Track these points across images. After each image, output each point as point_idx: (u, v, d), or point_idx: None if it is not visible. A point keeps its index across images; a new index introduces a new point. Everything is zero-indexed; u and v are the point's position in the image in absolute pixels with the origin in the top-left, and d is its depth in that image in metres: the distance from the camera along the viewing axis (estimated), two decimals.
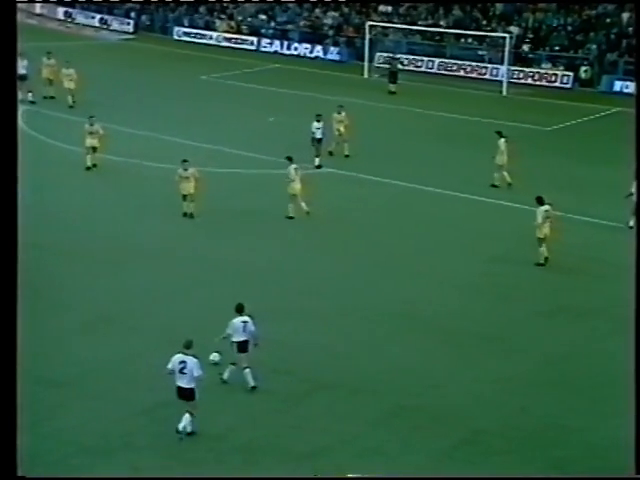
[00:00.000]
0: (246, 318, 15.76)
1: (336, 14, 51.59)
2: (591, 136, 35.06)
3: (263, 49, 51.72)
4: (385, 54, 46.34)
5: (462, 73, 44.99)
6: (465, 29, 46.11)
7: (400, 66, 42.99)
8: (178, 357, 14.75)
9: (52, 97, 37.68)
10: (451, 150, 30.18)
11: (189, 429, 14.70)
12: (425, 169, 29.55)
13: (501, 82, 42.12)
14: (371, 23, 46.73)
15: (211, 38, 53.97)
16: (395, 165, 29.87)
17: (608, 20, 44.23)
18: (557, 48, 44.39)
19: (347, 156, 30.31)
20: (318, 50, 50.02)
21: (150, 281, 20.85)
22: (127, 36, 56.35)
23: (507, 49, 42.06)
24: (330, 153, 30.28)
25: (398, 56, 45.26)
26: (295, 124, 34.55)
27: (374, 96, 39.99)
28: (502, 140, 27.41)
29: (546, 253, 21.68)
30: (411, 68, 44.93)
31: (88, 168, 28.76)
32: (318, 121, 29.09)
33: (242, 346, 15.82)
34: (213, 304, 19.11)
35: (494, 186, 27.28)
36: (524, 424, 15.26)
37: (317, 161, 29.13)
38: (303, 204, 24.80)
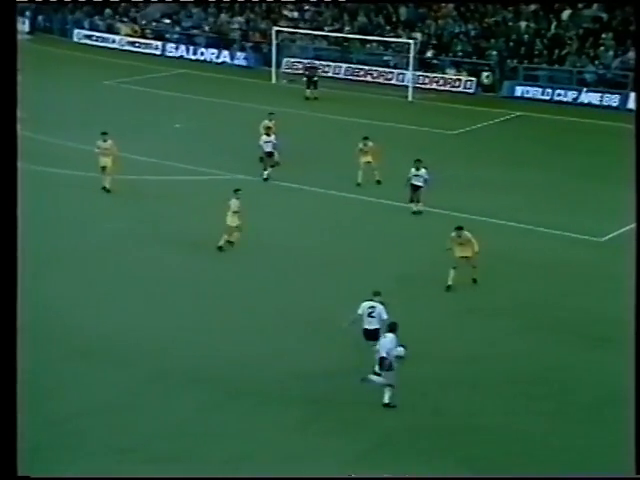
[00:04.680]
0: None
1: (242, 19, 51.47)
2: (494, 139, 35.86)
3: (168, 54, 51.18)
4: (302, 61, 46.08)
5: (369, 78, 45.40)
6: (370, 35, 46.62)
7: (316, 78, 42.63)
8: (367, 303, 16.51)
9: None
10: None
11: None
12: (327, 173, 29.38)
13: (407, 87, 42.73)
14: (278, 29, 46.81)
15: (114, 42, 53.09)
16: (301, 169, 29.76)
17: (506, 28, 45.37)
18: (460, 54, 45.31)
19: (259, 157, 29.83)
20: (225, 55, 49.74)
21: (73, 290, 20.52)
22: (23, 36, 54.64)
23: (412, 55, 42.68)
24: (261, 159, 29.97)
25: (317, 64, 44.75)
26: (203, 130, 34.33)
27: (282, 101, 39.97)
28: (369, 142, 28.19)
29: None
30: (319, 74, 45.02)
31: None
32: (267, 134, 28.71)
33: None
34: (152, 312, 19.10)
35: (358, 185, 28.06)
36: (436, 425, 15.45)
37: (265, 174, 28.60)
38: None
